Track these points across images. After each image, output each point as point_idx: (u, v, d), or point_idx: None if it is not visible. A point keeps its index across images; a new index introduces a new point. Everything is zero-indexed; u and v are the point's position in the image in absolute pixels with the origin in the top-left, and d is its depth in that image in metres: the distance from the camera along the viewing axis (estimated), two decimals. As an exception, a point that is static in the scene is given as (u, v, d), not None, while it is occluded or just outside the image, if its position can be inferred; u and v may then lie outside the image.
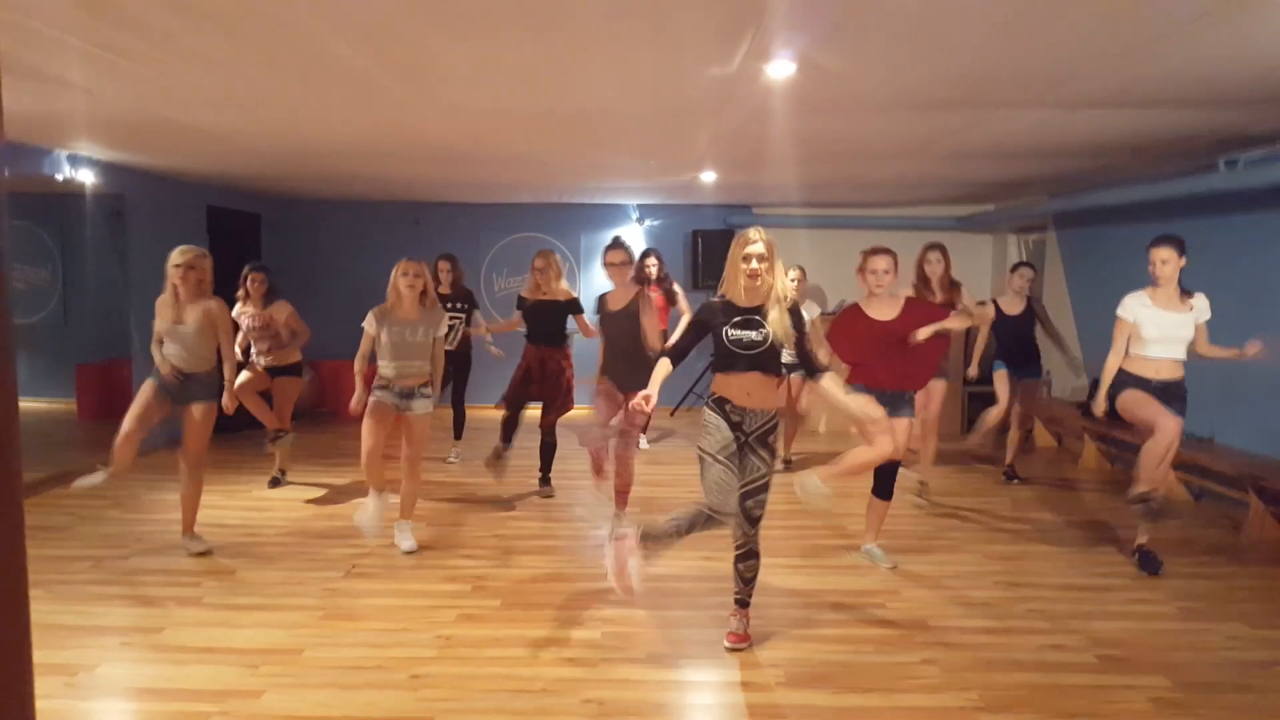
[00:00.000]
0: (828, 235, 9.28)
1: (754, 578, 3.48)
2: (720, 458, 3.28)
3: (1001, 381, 6.00)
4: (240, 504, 5.58)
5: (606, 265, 4.89)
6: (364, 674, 3.22)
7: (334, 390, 8.82)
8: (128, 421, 4.31)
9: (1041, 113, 4.35)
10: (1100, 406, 4.34)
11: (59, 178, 5.95)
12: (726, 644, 3.45)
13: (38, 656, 3.70)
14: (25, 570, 0.59)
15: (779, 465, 5.38)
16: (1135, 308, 4.27)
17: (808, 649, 3.47)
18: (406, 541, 4.65)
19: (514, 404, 5.66)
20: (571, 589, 4.05)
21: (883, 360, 4.18)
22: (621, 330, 4.70)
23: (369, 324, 4.52)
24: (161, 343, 4.40)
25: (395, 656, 3.37)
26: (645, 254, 6.98)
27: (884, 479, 4.34)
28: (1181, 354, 4.26)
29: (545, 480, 5.85)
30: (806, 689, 3.14)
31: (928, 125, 4.74)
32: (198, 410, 4.42)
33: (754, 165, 6.35)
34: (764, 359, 3.29)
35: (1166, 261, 4.20)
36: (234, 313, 5.56)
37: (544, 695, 3.08)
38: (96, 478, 4.38)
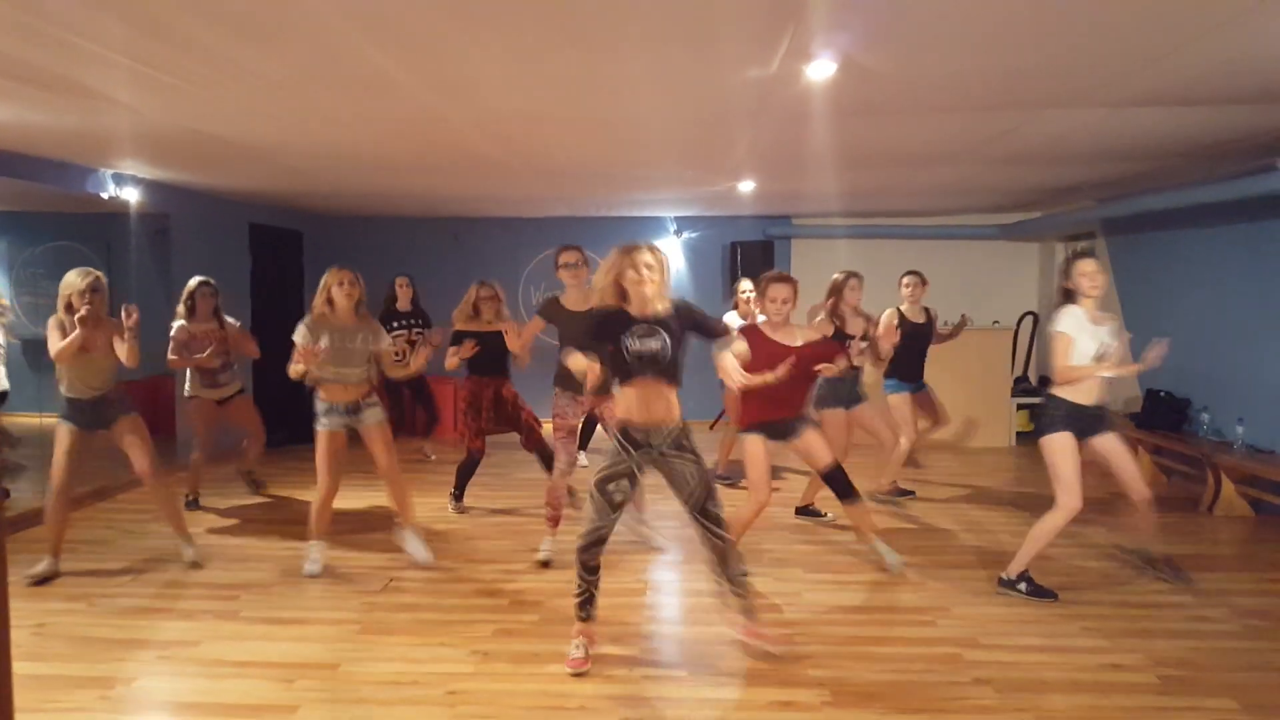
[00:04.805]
0: (869, 246, 9.15)
1: (746, 581, 3.42)
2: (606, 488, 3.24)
3: (904, 404, 5.71)
4: (280, 517, 5.60)
5: (561, 267, 4.59)
6: (400, 689, 3.18)
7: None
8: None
9: (1091, 113, 4.22)
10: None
11: (105, 196, 6.07)
12: (773, 649, 3.39)
13: (77, 669, 3.67)
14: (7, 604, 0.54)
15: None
16: (1075, 324, 3.96)
17: (854, 667, 3.35)
18: (419, 551, 4.60)
19: (482, 435, 5.48)
20: (610, 603, 3.95)
21: (776, 388, 3.98)
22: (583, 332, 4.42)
23: (300, 335, 4.28)
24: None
25: (432, 672, 3.32)
26: None
27: (836, 484, 4.25)
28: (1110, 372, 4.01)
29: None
30: (854, 709, 3.03)
31: (973, 127, 4.62)
32: (126, 425, 4.42)
33: (793, 172, 6.26)
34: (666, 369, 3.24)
35: (1100, 271, 4.03)
36: (178, 328, 5.53)
37: (581, 713, 3.01)
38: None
